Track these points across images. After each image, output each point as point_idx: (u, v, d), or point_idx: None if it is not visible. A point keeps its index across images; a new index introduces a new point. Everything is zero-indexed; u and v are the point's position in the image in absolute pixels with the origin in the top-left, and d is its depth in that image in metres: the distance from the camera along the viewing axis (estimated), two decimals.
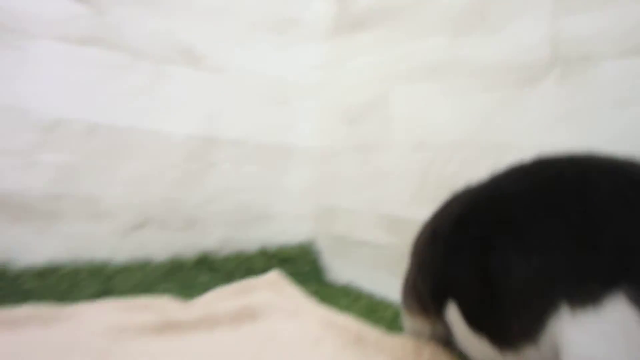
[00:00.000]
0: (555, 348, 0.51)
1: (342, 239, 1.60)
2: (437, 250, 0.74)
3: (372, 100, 1.51)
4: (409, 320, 0.88)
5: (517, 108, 1.13)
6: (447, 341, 0.81)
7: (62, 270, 1.17)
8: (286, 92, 1.68)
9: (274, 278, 1.28)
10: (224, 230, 1.55)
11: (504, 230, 0.60)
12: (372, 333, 0.94)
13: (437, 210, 0.80)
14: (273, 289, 1.22)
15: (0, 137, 1.19)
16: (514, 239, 0.58)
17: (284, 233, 1.68)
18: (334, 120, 1.66)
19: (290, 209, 1.69)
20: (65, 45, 1.28)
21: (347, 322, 1.00)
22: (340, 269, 1.59)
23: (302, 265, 1.58)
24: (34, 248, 1.20)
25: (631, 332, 0.45)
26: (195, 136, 1.50)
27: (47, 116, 1.26)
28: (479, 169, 1.11)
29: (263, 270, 1.45)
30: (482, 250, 0.62)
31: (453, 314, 0.69)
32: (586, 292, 0.48)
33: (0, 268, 1.10)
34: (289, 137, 1.69)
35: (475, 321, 0.64)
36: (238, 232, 1.57)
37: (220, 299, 1.13)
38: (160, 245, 1.41)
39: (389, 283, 1.33)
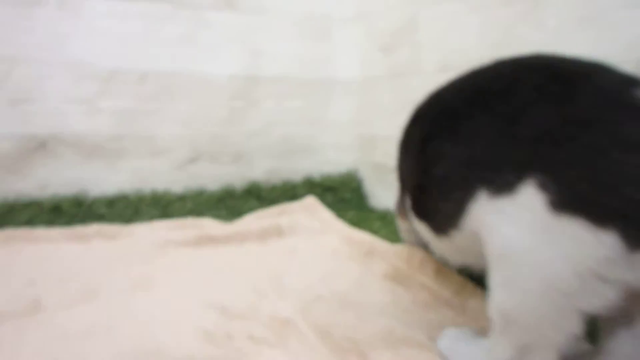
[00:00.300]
0: (476, 233, 0.55)
1: (382, 167, 1.67)
2: (399, 149, 0.81)
3: (403, 26, 1.51)
4: (399, 221, 0.96)
5: (535, 19, 1.10)
6: None
7: (127, 199, 1.38)
8: (323, 26, 1.72)
9: (310, 202, 1.39)
10: (270, 162, 1.68)
11: (441, 124, 0.65)
12: (382, 245, 1.03)
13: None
14: (307, 212, 1.34)
15: (68, 88, 1.39)
16: (448, 132, 0.62)
17: (328, 163, 1.77)
18: (370, 49, 1.68)
19: (333, 139, 1.77)
20: (114, 2, 1.42)
21: (363, 237, 1.10)
22: (381, 196, 1.67)
23: (344, 193, 1.68)
24: (104, 181, 1.41)
25: (540, 217, 0.48)
26: (238, 76, 1.61)
27: (105, 68, 1.43)
28: None
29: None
30: (422, 143, 0.68)
31: (408, 206, 0.75)
32: (502, 179, 0.52)
33: (77, 198, 1.32)
34: (329, 70, 1.75)
35: (418, 210, 0.70)
36: (283, 164, 1.70)
37: (256, 219, 1.27)
38: (211, 177, 1.58)
39: None
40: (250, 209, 1.50)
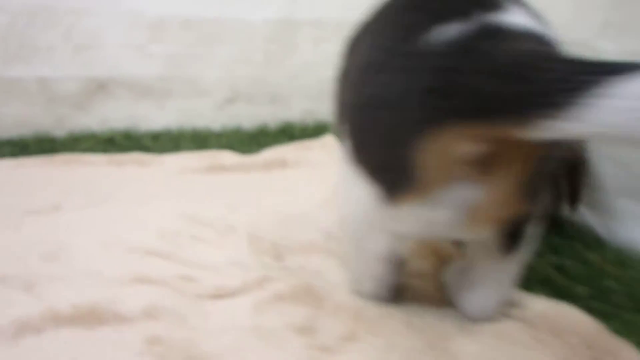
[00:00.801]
0: None
1: None
2: None
3: None
4: None
5: None
6: None
7: (170, 134, 1.58)
8: None
9: (328, 140, 1.48)
10: (305, 104, 1.78)
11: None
12: None
13: None
14: (322, 148, 1.43)
15: (123, 35, 1.59)
16: None
17: None
18: None
19: None
20: None
21: None
22: None
23: None
24: (153, 118, 1.62)
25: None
26: (275, 20, 1.70)
27: (154, 16, 1.60)
28: None
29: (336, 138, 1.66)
30: None
31: None
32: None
33: (128, 132, 1.55)
34: (365, 12, 1.76)
35: None
36: (318, 105, 1.79)
37: (275, 152, 1.39)
38: (248, 116, 1.72)
39: None
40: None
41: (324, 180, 1.14)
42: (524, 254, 0.62)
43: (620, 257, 0.78)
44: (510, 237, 0.58)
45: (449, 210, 0.50)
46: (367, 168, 0.55)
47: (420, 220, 0.53)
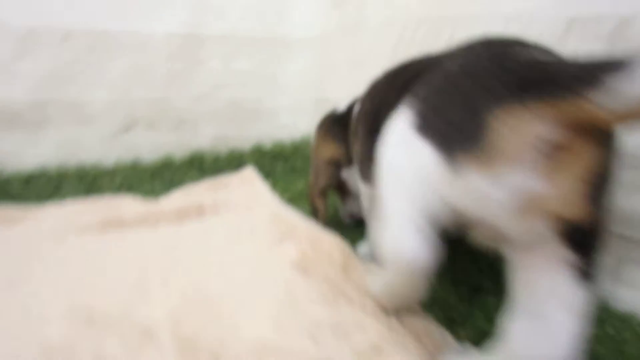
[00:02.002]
0: None
1: None
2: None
3: None
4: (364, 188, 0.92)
5: None
6: None
7: (48, 174, 1.27)
8: None
9: (247, 174, 1.28)
10: (215, 129, 1.56)
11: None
12: (303, 226, 0.93)
13: None
14: (241, 185, 1.23)
15: None
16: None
17: (280, 129, 1.65)
18: (324, 3, 1.52)
19: (286, 103, 1.64)
20: None
21: (288, 217, 0.99)
22: None
23: (295, 162, 1.56)
24: (23, 155, 1.30)
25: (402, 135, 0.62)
26: (178, 33, 1.46)
27: (21, 26, 1.28)
28: (439, 42, 0.98)
29: (255, 167, 1.46)
30: None
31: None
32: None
33: None
34: (282, 26, 1.59)
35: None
36: (230, 130, 1.58)
37: (182, 195, 1.16)
38: (148, 147, 1.46)
39: None
40: (191, 180, 1.39)
41: (254, 232, 0.94)
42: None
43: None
44: (583, 254, 0.53)
45: (505, 191, 0.50)
46: (439, 129, 0.56)
47: (474, 193, 0.52)
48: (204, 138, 1.54)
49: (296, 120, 1.65)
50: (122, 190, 1.28)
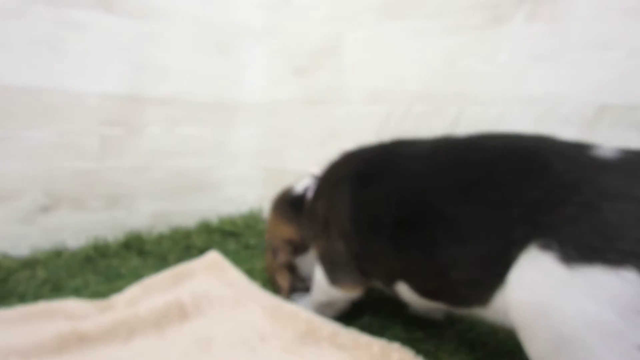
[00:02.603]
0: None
1: None
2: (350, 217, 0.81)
3: (323, 47, 1.30)
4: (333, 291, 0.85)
5: (482, 51, 0.96)
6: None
7: None
8: (227, 38, 1.44)
9: (213, 259, 1.09)
10: (155, 205, 1.34)
11: (421, 212, 0.68)
12: (324, 324, 0.79)
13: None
14: (211, 274, 1.04)
15: None
16: (435, 223, 0.66)
17: (229, 202, 1.48)
18: (282, 70, 1.44)
19: (234, 173, 1.49)
20: None
21: (294, 311, 0.84)
22: None
23: (249, 238, 1.40)
24: None
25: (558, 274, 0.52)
26: (114, 95, 1.25)
27: None
28: (441, 122, 0.94)
29: (204, 248, 1.26)
30: (395, 226, 0.71)
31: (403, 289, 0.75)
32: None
33: None
34: (230, 91, 1.47)
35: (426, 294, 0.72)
36: (173, 205, 1.37)
37: (144, 293, 0.93)
38: (75, 227, 1.19)
39: None
40: (132, 269, 1.15)
41: (264, 337, 0.77)
42: None
43: None
44: None
45: None
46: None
47: None
48: (141, 215, 1.31)
49: (245, 193, 1.50)
50: (47, 287, 1.00)
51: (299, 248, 0.97)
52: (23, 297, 0.93)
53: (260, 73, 1.48)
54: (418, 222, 0.67)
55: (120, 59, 1.25)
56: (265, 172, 1.51)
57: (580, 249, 0.51)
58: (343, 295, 0.85)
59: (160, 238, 1.30)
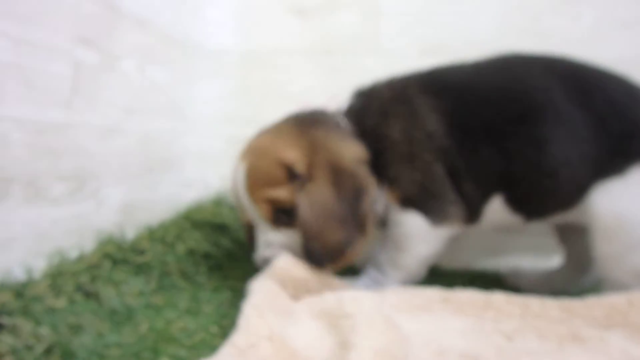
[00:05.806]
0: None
1: None
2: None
3: None
4: (440, 233, 0.76)
5: (569, 12, 0.96)
6: None
7: None
8: None
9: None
10: (124, 192, 0.84)
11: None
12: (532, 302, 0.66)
13: None
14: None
15: None
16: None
17: (188, 185, 1.07)
18: (272, 6, 1.08)
19: (194, 143, 1.08)
20: None
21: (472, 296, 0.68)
22: None
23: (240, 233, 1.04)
24: None
25: None
26: None
27: None
28: None
29: (205, 248, 0.87)
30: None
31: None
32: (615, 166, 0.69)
33: None
34: (192, 31, 1.04)
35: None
36: (142, 192, 0.89)
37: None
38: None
39: None
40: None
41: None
42: None
43: None
44: None
45: None
46: None
47: None
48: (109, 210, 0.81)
49: (205, 171, 1.10)
50: None
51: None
52: None
53: (233, 8, 1.10)
54: (538, 119, 0.70)
55: None
56: (233, 143, 1.15)
57: None
58: (449, 232, 0.74)
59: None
